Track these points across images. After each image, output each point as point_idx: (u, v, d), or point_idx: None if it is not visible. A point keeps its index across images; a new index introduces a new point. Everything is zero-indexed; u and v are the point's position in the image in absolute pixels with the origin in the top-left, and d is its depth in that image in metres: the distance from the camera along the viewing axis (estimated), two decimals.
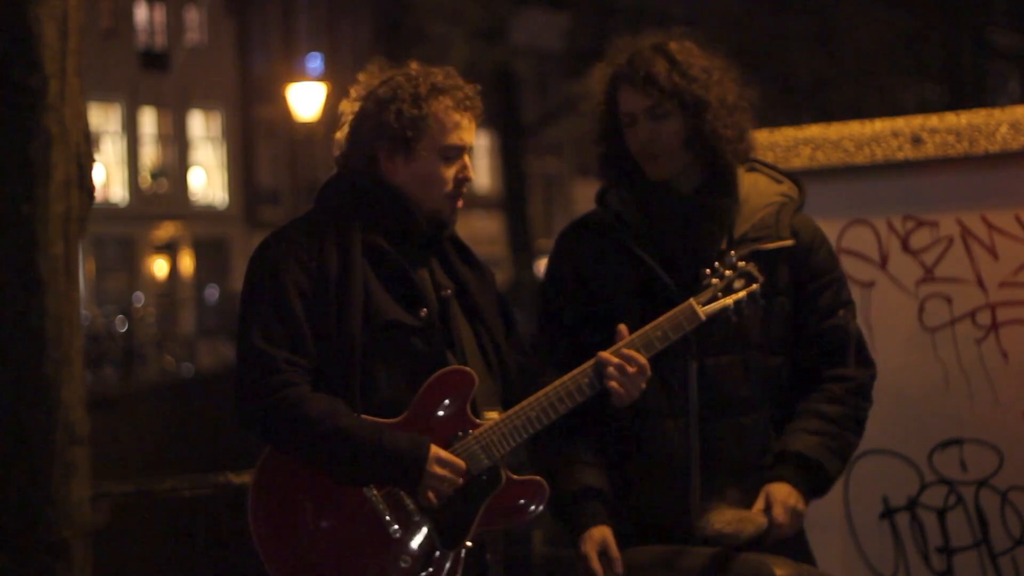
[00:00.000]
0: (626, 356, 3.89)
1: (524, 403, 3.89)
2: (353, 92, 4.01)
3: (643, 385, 3.91)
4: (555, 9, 42.80)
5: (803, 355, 4.13)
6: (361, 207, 3.94)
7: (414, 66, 3.99)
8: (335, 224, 3.92)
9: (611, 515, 4.05)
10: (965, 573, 5.17)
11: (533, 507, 3.91)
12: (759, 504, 3.96)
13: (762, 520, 3.93)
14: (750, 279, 3.99)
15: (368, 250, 3.90)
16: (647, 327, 3.94)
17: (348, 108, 4.00)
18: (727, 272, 3.98)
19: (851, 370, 4.12)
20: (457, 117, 3.95)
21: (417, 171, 3.95)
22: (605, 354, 3.90)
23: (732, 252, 4.01)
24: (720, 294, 3.97)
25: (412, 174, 3.95)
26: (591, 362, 3.90)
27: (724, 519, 3.91)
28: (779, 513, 3.95)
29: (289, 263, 3.87)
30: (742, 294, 3.98)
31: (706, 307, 3.95)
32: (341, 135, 4.01)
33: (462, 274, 4.03)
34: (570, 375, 3.91)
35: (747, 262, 3.99)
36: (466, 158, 3.99)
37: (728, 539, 3.90)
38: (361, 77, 4.01)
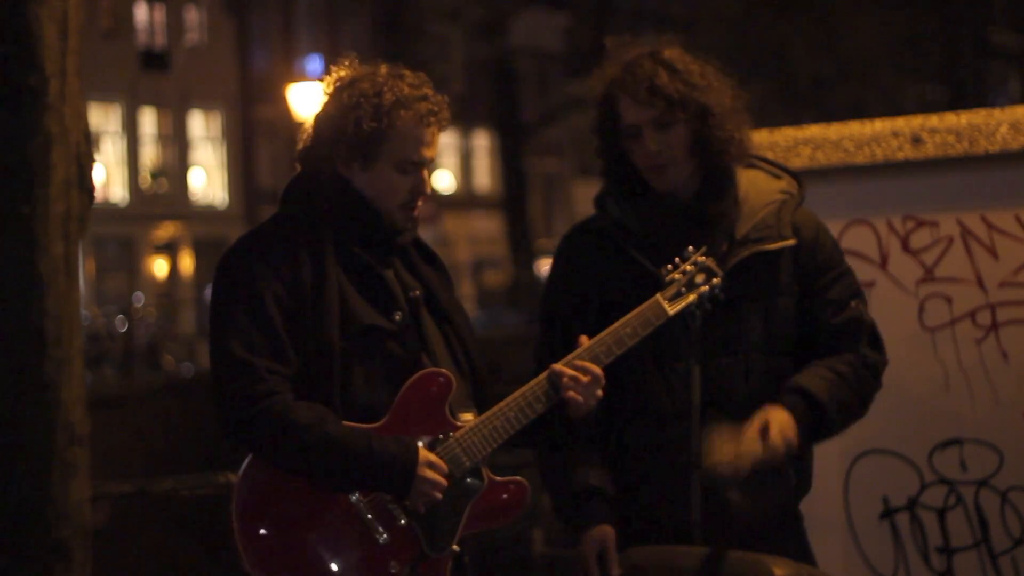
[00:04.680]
0: (579, 367, 3.88)
1: (502, 404, 3.87)
2: (325, 86, 3.95)
3: (599, 393, 3.90)
4: (555, 9, 42.82)
5: (817, 349, 4.12)
6: (328, 211, 3.89)
7: (383, 70, 3.91)
8: (305, 228, 3.87)
9: (613, 513, 4.05)
10: (965, 573, 5.16)
11: (516, 508, 3.89)
12: (756, 424, 3.96)
13: (758, 449, 3.94)
14: (710, 274, 3.99)
15: (340, 255, 3.86)
16: (616, 324, 3.94)
17: (320, 100, 3.95)
18: (688, 267, 3.98)
19: (864, 350, 4.14)
20: (418, 132, 3.88)
21: (372, 180, 3.90)
22: (558, 366, 3.89)
23: (690, 247, 4.01)
24: (684, 289, 3.98)
25: (367, 182, 3.90)
26: (545, 373, 3.89)
27: (725, 456, 3.92)
28: (775, 434, 3.94)
29: (263, 270, 3.81)
30: (704, 288, 3.98)
31: (672, 304, 3.97)
32: (307, 127, 3.96)
33: (426, 275, 4.00)
34: (536, 380, 3.89)
35: (707, 257, 3.99)
36: (424, 173, 3.92)
37: (728, 479, 3.93)
38: (335, 72, 3.94)
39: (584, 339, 3.93)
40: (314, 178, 3.94)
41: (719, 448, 3.94)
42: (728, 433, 3.95)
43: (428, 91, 3.91)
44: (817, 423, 4.05)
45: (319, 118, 3.93)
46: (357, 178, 3.91)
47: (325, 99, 3.93)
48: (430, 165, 3.95)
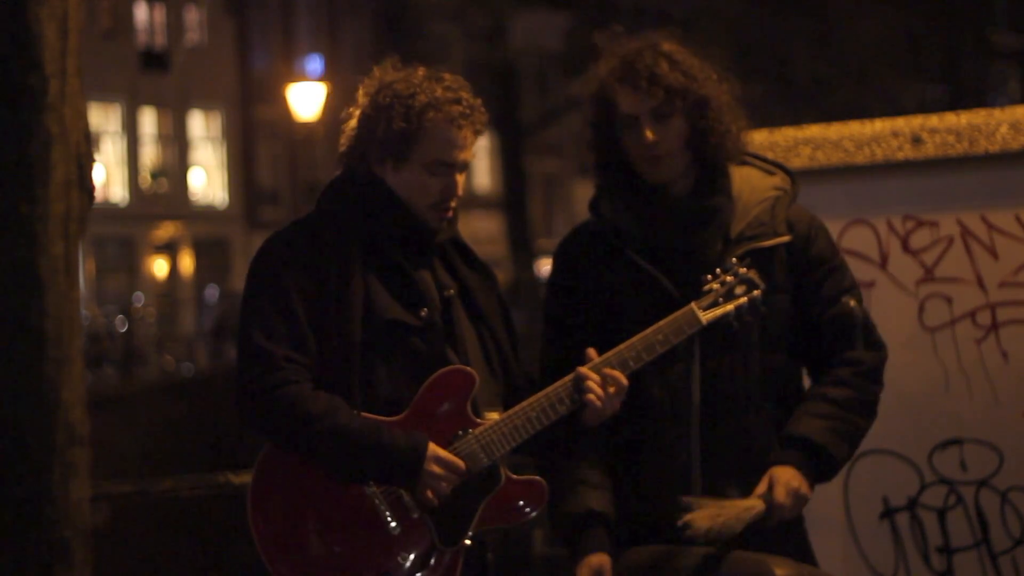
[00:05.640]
0: (606, 375, 3.90)
1: (524, 403, 3.90)
2: (362, 89, 4.01)
3: (618, 404, 3.91)
4: (555, 9, 42.81)
5: (811, 345, 4.12)
6: (361, 208, 3.96)
7: (420, 72, 3.97)
8: (336, 225, 3.94)
9: (611, 540, 4.03)
10: (965, 573, 5.16)
11: (533, 507, 3.91)
12: (761, 487, 3.96)
13: (757, 507, 3.92)
14: (752, 285, 3.98)
15: (369, 251, 3.92)
16: (648, 330, 3.93)
17: (359, 101, 4.01)
18: (728, 278, 3.97)
19: (859, 353, 4.11)
20: (449, 134, 3.93)
21: (403, 180, 3.95)
22: (584, 369, 3.90)
23: (734, 259, 4.00)
24: (721, 299, 3.97)
25: (399, 181, 3.95)
26: (571, 376, 3.90)
27: (703, 517, 3.90)
28: (780, 494, 3.94)
29: (290, 263, 3.89)
30: (743, 300, 3.97)
31: (707, 312, 3.96)
32: (349, 129, 4.02)
33: (465, 275, 4.04)
34: (561, 381, 3.91)
35: (749, 268, 3.99)
36: (456, 176, 3.96)
37: (715, 536, 3.91)
38: (376, 72, 4.00)
39: (592, 352, 3.93)
40: (350, 177, 4.01)
41: (699, 514, 3.91)
42: (712, 503, 3.93)
43: (464, 94, 3.95)
44: (824, 464, 4.04)
45: (359, 119, 3.99)
46: (390, 177, 3.96)
47: (365, 100, 3.98)
48: (463, 167, 3.98)
